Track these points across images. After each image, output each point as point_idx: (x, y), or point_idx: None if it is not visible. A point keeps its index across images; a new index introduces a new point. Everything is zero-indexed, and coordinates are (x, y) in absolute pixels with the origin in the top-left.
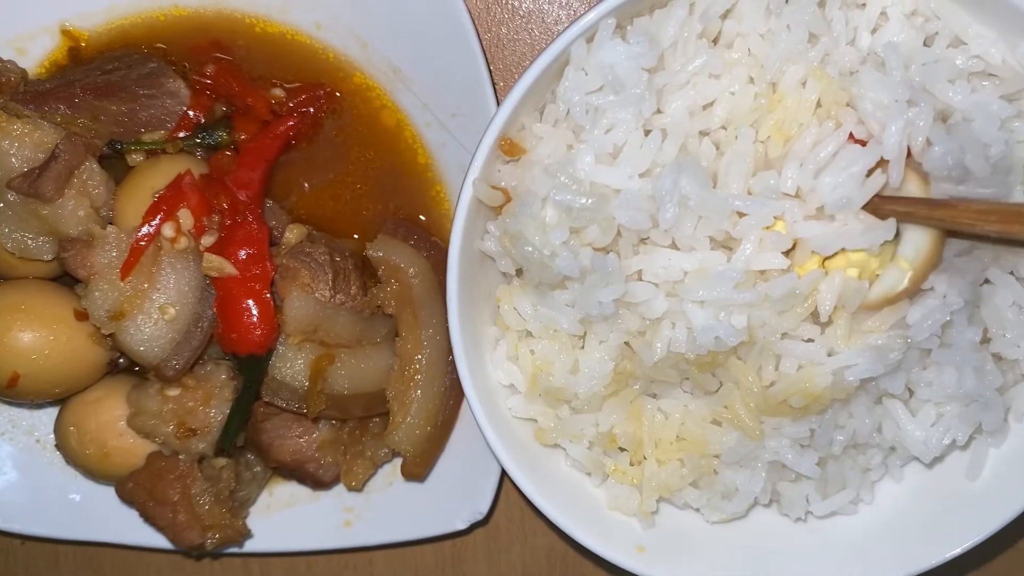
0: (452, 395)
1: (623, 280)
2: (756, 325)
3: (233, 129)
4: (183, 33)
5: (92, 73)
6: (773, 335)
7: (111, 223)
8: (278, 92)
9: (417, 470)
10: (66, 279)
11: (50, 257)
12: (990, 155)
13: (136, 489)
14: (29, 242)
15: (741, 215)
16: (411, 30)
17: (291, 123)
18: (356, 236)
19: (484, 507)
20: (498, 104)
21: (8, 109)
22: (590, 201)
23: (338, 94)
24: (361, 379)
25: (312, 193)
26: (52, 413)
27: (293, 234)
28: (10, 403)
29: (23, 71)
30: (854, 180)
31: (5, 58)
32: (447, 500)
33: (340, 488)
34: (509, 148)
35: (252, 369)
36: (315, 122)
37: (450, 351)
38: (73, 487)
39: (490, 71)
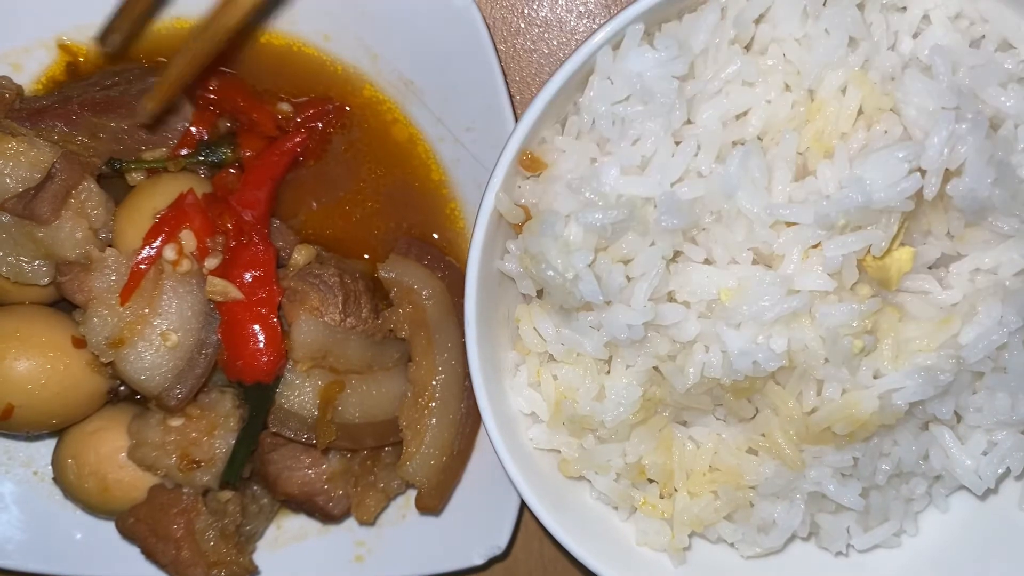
0: (468, 423)
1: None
2: (797, 349)
3: (238, 146)
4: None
5: (90, 89)
6: (815, 359)
7: (110, 245)
8: (284, 107)
9: (432, 503)
10: (63, 305)
11: (46, 282)
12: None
13: (137, 524)
14: (25, 266)
15: (787, 225)
16: (424, 41)
17: (298, 139)
18: (367, 256)
19: (503, 541)
20: (515, 117)
21: (3, 127)
22: (618, 213)
23: (348, 108)
24: (373, 407)
25: (320, 212)
26: (51, 445)
27: (301, 255)
28: (5, 435)
29: (19, 87)
30: (897, 174)
31: (0, 74)
32: (463, 533)
33: (351, 521)
34: (530, 163)
35: (258, 397)
36: (323, 138)
37: (466, 376)
38: (72, 522)
39: (507, 83)
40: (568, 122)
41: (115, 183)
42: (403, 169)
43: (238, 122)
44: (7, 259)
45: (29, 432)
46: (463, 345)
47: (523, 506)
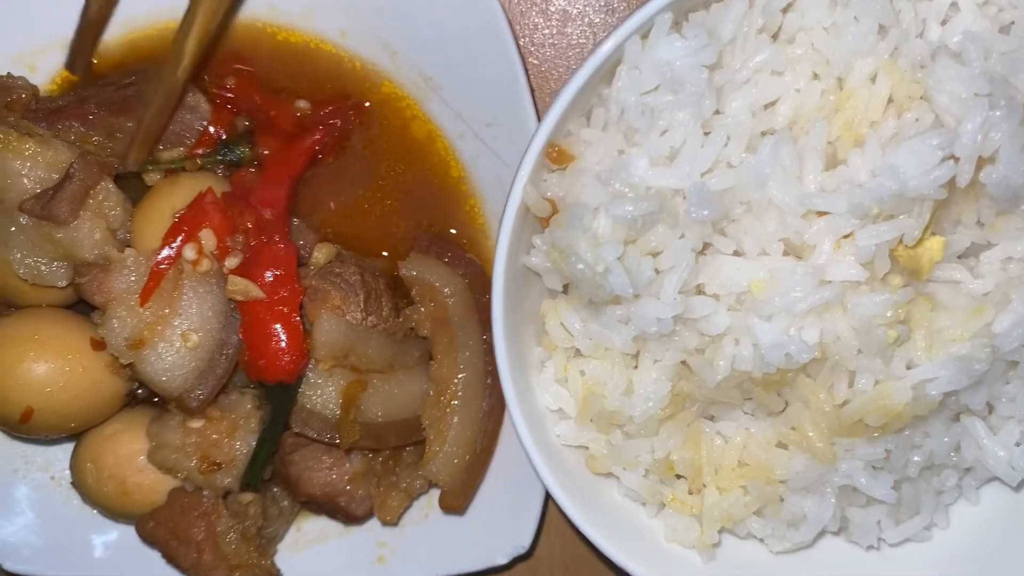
0: (490, 421)
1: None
2: (829, 340)
3: (255, 144)
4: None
5: (106, 89)
6: (848, 351)
7: (129, 246)
8: (303, 104)
9: (456, 502)
10: (81, 306)
11: (65, 283)
12: None
13: (158, 528)
14: (43, 268)
15: (818, 215)
16: (443, 36)
17: (317, 136)
18: (385, 254)
19: (526, 540)
20: (537, 112)
21: (20, 128)
22: (649, 205)
23: (367, 104)
24: (395, 406)
25: (339, 210)
26: (68, 449)
27: (322, 253)
28: (23, 439)
29: (34, 88)
30: (930, 162)
31: (15, 74)
32: (486, 533)
33: (373, 522)
34: (557, 156)
35: (280, 398)
36: (342, 135)
37: (488, 374)
38: (91, 527)
39: (528, 77)
40: (593, 114)
41: (132, 183)
42: (422, 166)
43: (255, 120)
44: (25, 260)
45: (47, 436)
46: (484, 342)
47: (546, 504)
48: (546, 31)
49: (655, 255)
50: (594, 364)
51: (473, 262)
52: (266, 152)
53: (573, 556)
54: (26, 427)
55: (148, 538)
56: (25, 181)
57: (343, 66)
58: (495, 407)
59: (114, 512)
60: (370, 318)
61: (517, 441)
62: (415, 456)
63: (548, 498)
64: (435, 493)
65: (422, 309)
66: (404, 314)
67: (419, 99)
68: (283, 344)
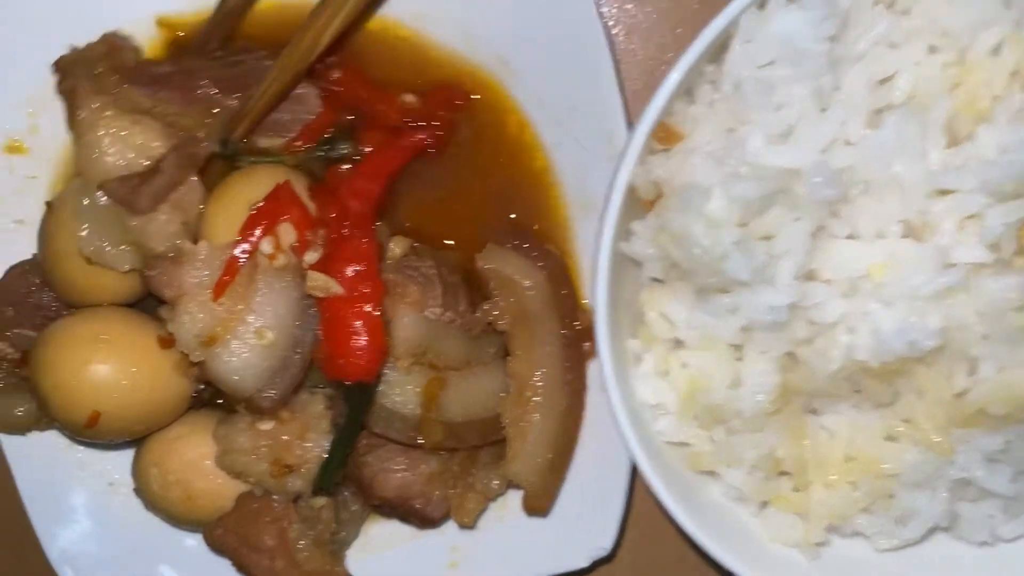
0: (570, 418)
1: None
2: (952, 326)
3: (358, 141)
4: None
5: (215, 64)
6: (972, 337)
7: (198, 238)
8: (409, 98)
9: (541, 503)
10: (143, 305)
11: (127, 267)
12: None
13: (227, 535)
14: (107, 248)
15: (941, 194)
16: (521, 13)
17: (424, 134)
18: (451, 243)
19: (608, 542)
20: (623, 94)
21: (122, 93)
22: (769, 184)
23: (476, 97)
24: (474, 404)
25: (410, 200)
26: (126, 453)
27: (399, 247)
28: (83, 443)
29: (138, 50)
30: None
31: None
32: (565, 535)
33: (445, 526)
34: (666, 135)
35: (358, 398)
36: (449, 131)
37: (567, 370)
38: (155, 535)
39: (614, 54)
40: (699, 91)
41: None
42: (510, 158)
43: (359, 115)
44: (92, 237)
45: (112, 440)
46: (564, 337)
47: (628, 504)
48: (629, 5)
49: (767, 239)
50: (698, 356)
51: (552, 254)
52: (368, 149)
53: (655, 558)
54: (92, 432)
55: (217, 546)
56: (108, 159)
57: (448, 57)
58: (574, 404)
59: (179, 519)
60: (448, 313)
61: (596, 438)
62: (490, 456)
63: (630, 498)
64: (511, 494)
65: (501, 303)
66: (481, 308)
67: (504, 87)
68: (364, 342)
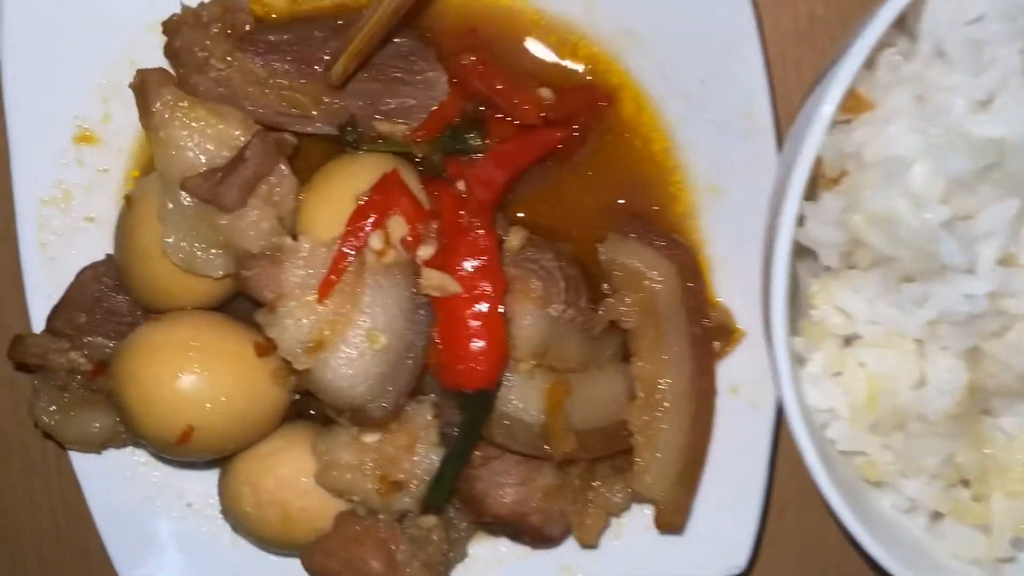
0: (699, 425)
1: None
2: None
3: (486, 134)
4: (438, 14)
5: (334, 37)
6: None
7: (295, 234)
8: (546, 93)
9: (675, 519)
10: (228, 308)
11: (221, 273)
12: None
13: (329, 559)
14: (198, 255)
15: None
16: None
17: (561, 133)
18: (563, 233)
19: (741, 559)
20: (767, 61)
21: (235, 59)
22: (985, 157)
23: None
24: (596, 410)
25: (517, 187)
26: (204, 471)
27: (517, 238)
28: (166, 462)
29: (252, 17)
30: None
31: None
32: (693, 553)
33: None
34: (856, 104)
35: (477, 407)
36: (583, 132)
37: (697, 372)
38: (243, 560)
39: (758, 18)
40: (880, 56)
41: (298, 162)
42: (622, 137)
43: (489, 107)
44: (180, 244)
45: (202, 458)
46: (692, 337)
47: (764, 518)
48: None
49: (964, 219)
50: (879, 354)
51: (681, 244)
52: (495, 143)
53: None
54: (183, 449)
55: (319, 571)
56: (189, 154)
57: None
58: (704, 409)
59: (274, 542)
60: (570, 310)
61: (726, 446)
62: (608, 468)
63: (765, 510)
64: (636, 510)
65: (627, 299)
66: (605, 304)
67: (618, 58)
68: (484, 345)
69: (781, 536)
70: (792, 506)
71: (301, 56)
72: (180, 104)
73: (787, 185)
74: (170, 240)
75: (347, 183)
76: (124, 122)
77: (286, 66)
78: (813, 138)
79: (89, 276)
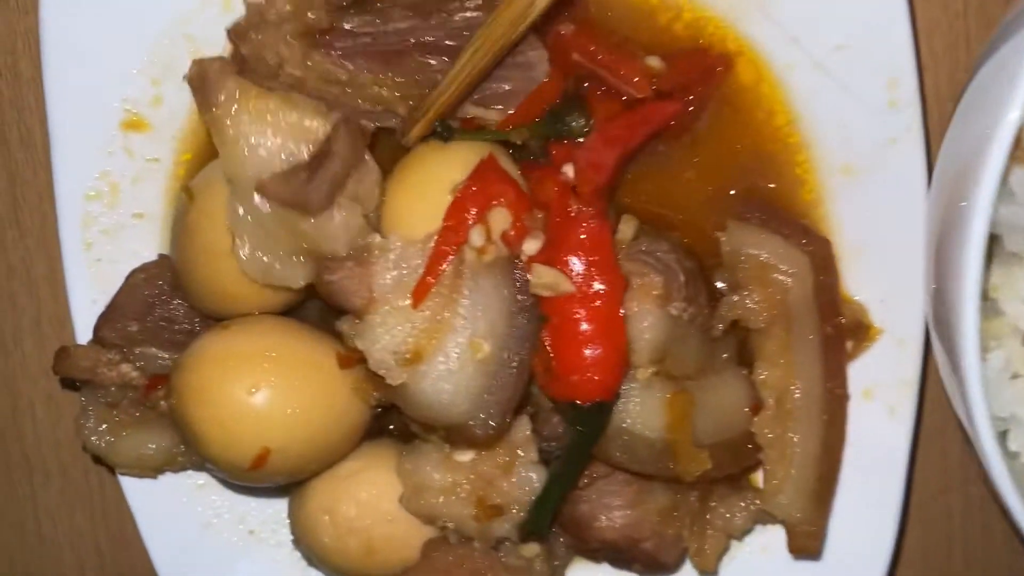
0: (834, 436)
1: None
2: None
3: (590, 113)
4: None
5: (420, 23)
6: None
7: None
8: (655, 63)
9: (811, 542)
10: (298, 313)
11: (302, 284)
12: None
13: None
14: (275, 265)
15: None
16: None
17: (676, 107)
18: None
19: None
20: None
21: (313, 63)
22: None
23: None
24: (721, 422)
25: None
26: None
27: (630, 227)
28: (235, 487)
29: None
30: None
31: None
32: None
33: None
34: None
35: (593, 421)
36: (701, 104)
37: (829, 376)
38: None
39: None
40: None
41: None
42: (738, 111)
43: (592, 82)
44: (256, 255)
45: (278, 483)
46: (824, 337)
47: (900, 538)
48: None
49: None
50: None
51: (811, 231)
52: (602, 121)
53: None
54: (256, 474)
55: None
56: (263, 153)
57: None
58: (836, 418)
59: (354, 575)
60: (690, 309)
61: (858, 458)
62: (726, 485)
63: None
64: (759, 531)
65: (756, 296)
66: (727, 303)
67: (733, 20)
68: (602, 352)
69: (917, 559)
70: (933, 526)
71: (383, 45)
72: (248, 96)
73: (982, 159)
74: (245, 252)
75: (438, 172)
76: (177, 105)
77: (369, 62)
78: (1017, 101)
79: (140, 279)
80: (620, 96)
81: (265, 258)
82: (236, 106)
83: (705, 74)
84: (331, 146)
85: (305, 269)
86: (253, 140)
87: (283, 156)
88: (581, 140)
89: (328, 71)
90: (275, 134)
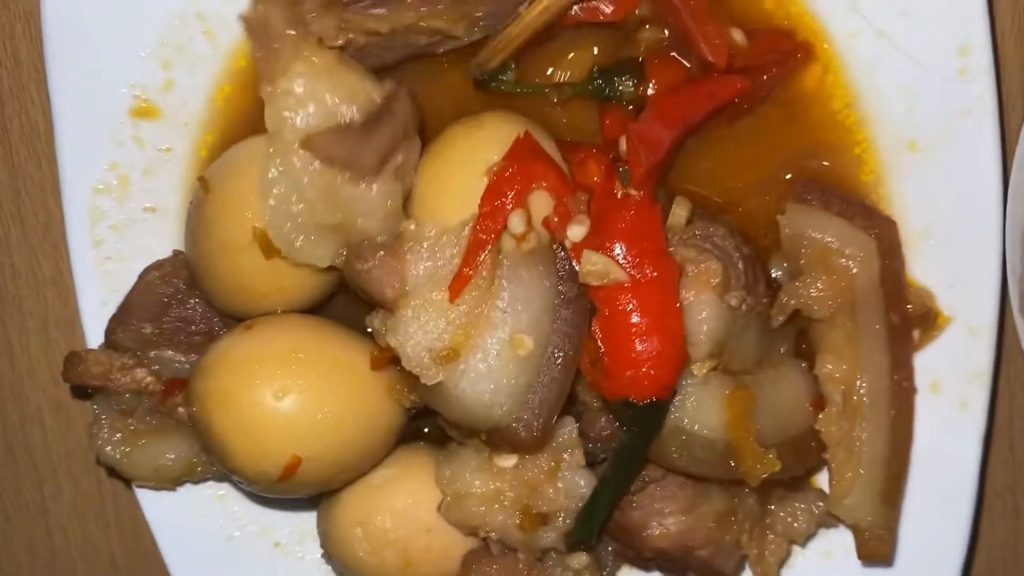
0: (902, 432)
1: None
2: None
3: (645, 79)
4: None
5: None
6: None
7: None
8: (737, 36)
9: (882, 547)
10: (324, 312)
11: (327, 263)
12: None
13: None
14: (301, 239)
15: None
16: None
17: (742, 84)
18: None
19: None
20: None
21: (349, 26)
22: None
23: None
24: (783, 420)
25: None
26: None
27: (683, 210)
28: (260, 499)
29: None
30: None
31: None
32: None
33: None
34: None
35: (648, 421)
36: (770, 87)
37: (896, 369)
38: None
39: None
40: None
41: None
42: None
43: (673, 32)
44: (284, 220)
45: (308, 494)
46: (890, 327)
47: (972, 545)
48: None
49: None
50: None
51: (876, 213)
52: (656, 90)
53: None
54: (286, 485)
55: None
56: (313, 109)
57: None
58: (903, 414)
59: None
60: (749, 298)
61: (926, 455)
62: (783, 486)
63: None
64: (820, 535)
65: (820, 283)
66: (788, 290)
67: None
68: (658, 345)
69: (982, 557)
70: (998, 524)
71: None
72: (307, 47)
73: None
74: (272, 217)
75: (471, 153)
76: (189, 90)
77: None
78: None
79: (154, 277)
80: (683, 63)
81: (293, 224)
82: (293, 55)
83: (784, 58)
84: (392, 105)
85: (331, 248)
86: (306, 94)
87: (336, 115)
88: (630, 107)
89: (369, 27)
90: (329, 92)
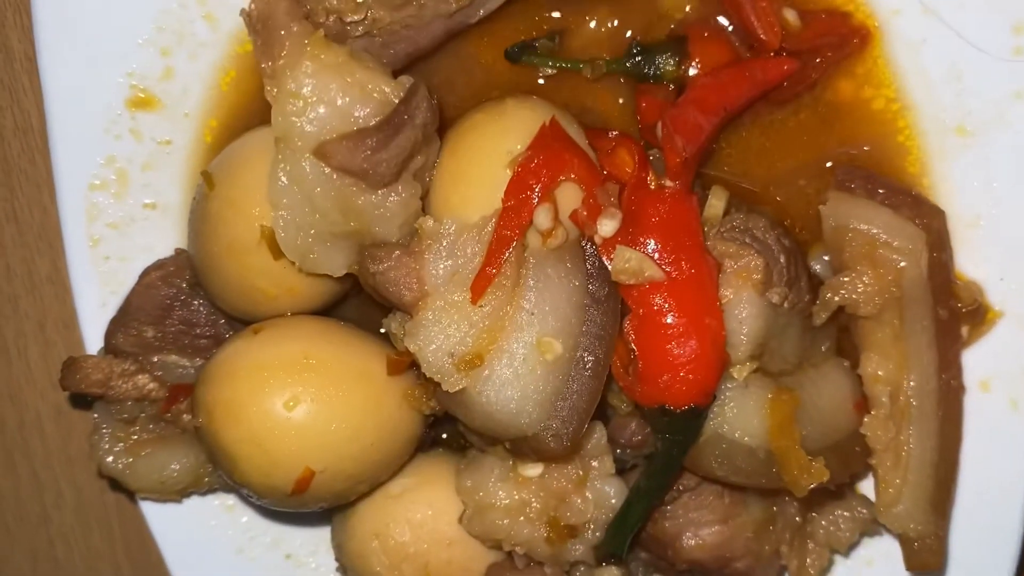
0: (950, 434)
1: None
2: None
3: (686, 57)
4: None
5: None
6: None
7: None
8: (791, 16)
9: (932, 557)
10: (337, 313)
11: (343, 271)
12: None
13: None
14: (316, 249)
15: None
16: None
17: (788, 66)
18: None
19: None
20: None
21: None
22: None
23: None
24: (826, 424)
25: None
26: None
27: (720, 201)
28: (264, 508)
29: None
30: None
31: None
32: None
33: None
34: None
35: (686, 428)
36: (821, 72)
37: (944, 367)
38: None
39: None
40: None
41: None
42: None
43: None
44: (296, 233)
45: (320, 507)
46: (939, 322)
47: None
48: None
49: None
50: None
51: (925, 202)
52: (697, 71)
53: None
54: (300, 499)
55: None
56: (322, 110)
57: None
58: (951, 414)
59: None
60: (792, 295)
61: (975, 457)
62: (824, 493)
63: None
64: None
65: (866, 279)
66: (833, 285)
67: None
68: (697, 348)
69: None
70: None
71: None
72: (316, 45)
73: None
74: (284, 228)
75: (492, 143)
76: (191, 78)
77: None
78: None
79: (156, 278)
80: (730, 41)
81: (307, 237)
82: (300, 54)
83: (840, 41)
84: (409, 109)
85: (347, 255)
86: (314, 95)
87: (349, 118)
88: (675, 83)
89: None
90: (341, 92)
